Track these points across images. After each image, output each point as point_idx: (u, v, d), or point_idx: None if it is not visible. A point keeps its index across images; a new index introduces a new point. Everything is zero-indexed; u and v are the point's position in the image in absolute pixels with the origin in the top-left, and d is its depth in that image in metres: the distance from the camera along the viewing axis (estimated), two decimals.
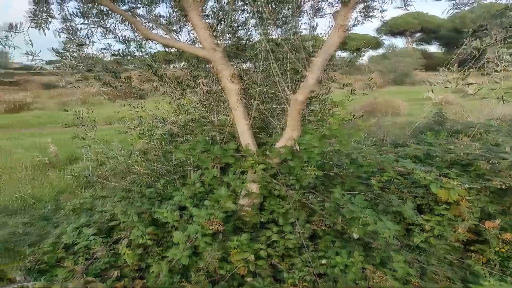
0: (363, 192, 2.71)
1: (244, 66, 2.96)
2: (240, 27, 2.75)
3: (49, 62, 3.19)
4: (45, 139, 7.66)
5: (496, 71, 2.09)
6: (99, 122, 3.31)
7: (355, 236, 2.22)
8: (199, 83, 2.88)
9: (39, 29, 2.31)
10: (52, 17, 2.35)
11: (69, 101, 17.46)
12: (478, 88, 2.09)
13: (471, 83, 2.07)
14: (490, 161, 2.91)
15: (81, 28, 2.50)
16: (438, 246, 2.52)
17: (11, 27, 2.20)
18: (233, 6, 2.49)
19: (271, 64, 2.38)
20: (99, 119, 3.32)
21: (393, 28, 41.08)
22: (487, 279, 2.14)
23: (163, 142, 2.89)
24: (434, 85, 2.24)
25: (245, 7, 2.65)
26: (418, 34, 44.00)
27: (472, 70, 2.12)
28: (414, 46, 43.87)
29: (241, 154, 2.53)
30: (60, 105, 17.06)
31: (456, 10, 2.39)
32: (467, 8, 2.41)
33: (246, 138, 2.57)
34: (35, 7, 2.28)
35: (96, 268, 2.34)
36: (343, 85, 2.69)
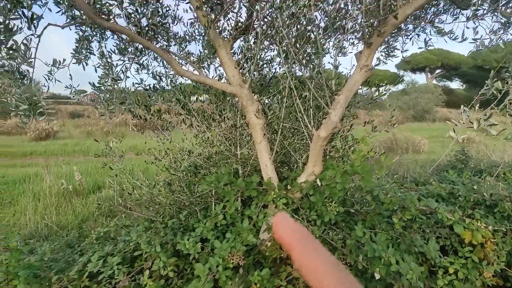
0: (385, 230, 2.67)
1: (268, 101, 3.07)
2: (265, 65, 2.89)
3: (77, 93, 3.40)
4: (70, 168, 7.92)
5: None
6: (124, 152, 3.46)
7: (377, 276, 2.18)
8: (224, 117, 2.99)
9: (79, 64, 2.52)
10: (92, 54, 2.58)
11: (93, 130, 18.16)
12: (501, 129, 2.09)
13: (494, 124, 2.09)
14: None
15: (117, 64, 2.69)
16: None
17: (55, 63, 2.40)
18: (260, 46, 2.63)
19: (295, 100, 2.47)
20: (124, 150, 3.45)
21: (412, 64, 41.35)
22: None
23: (189, 174, 2.97)
24: (456, 125, 2.26)
25: (272, 46, 2.80)
26: (438, 70, 44.11)
27: (494, 111, 2.14)
28: (435, 82, 43.85)
29: (263, 188, 2.57)
30: (84, 134, 17.73)
31: (479, 49, 2.45)
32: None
33: (268, 172, 2.62)
34: (77, 45, 2.51)
35: None
36: (365, 122, 2.75)
